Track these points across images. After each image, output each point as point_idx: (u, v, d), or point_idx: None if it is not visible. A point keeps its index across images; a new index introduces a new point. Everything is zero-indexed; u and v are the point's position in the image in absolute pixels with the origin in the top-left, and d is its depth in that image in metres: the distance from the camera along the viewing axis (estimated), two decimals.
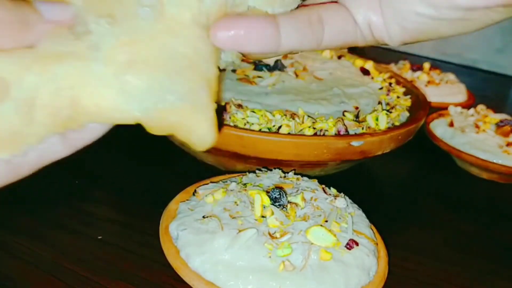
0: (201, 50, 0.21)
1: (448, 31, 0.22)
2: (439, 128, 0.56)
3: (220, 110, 0.22)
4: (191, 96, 0.22)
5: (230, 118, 0.40)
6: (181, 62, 0.21)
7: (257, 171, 0.38)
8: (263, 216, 0.31)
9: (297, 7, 0.23)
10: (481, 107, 0.60)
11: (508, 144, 0.51)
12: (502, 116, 0.56)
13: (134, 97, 0.20)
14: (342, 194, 0.35)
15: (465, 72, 0.97)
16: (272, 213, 0.31)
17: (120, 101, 0.20)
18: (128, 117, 0.21)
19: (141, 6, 0.20)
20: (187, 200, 0.34)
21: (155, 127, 0.21)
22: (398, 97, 0.51)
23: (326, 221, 0.31)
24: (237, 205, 0.32)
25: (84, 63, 0.19)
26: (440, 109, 0.60)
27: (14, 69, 0.18)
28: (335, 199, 0.34)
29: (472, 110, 0.59)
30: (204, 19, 0.21)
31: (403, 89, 0.54)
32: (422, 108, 0.48)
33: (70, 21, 0.20)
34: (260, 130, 0.39)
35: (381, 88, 0.53)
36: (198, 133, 0.22)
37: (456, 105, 0.62)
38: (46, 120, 0.19)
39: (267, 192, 0.32)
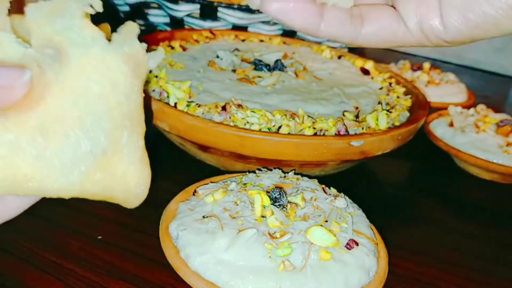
0: (119, 81, 0.20)
1: (509, 25, 0.22)
2: (439, 128, 0.56)
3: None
4: (112, 145, 0.20)
5: (230, 118, 0.40)
6: (97, 107, 0.19)
7: (257, 171, 0.38)
8: (263, 216, 0.31)
9: None
10: (481, 107, 0.60)
11: (508, 144, 0.51)
12: (502, 116, 0.56)
13: (52, 164, 0.19)
14: (342, 194, 0.35)
15: (465, 72, 0.97)
16: (272, 213, 0.31)
17: (37, 170, 0.19)
18: (47, 187, 0.19)
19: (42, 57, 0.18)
20: (187, 200, 0.34)
21: (82, 193, 0.20)
22: (398, 97, 0.51)
23: (326, 221, 0.31)
24: (237, 205, 0.32)
25: None
26: (440, 109, 0.60)
27: None
28: (335, 199, 0.34)
29: (472, 110, 0.59)
30: (119, 48, 0.20)
31: (403, 89, 0.54)
32: (422, 108, 0.48)
33: (23, 88, 0.18)
34: (260, 130, 0.39)
35: (381, 88, 0.53)
36: (130, 182, 0.21)
37: (456, 105, 0.61)
38: None
39: (267, 192, 0.32)
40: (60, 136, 0.19)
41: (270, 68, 0.52)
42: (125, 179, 0.21)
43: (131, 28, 0.22)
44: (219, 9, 0.67)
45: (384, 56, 0.83)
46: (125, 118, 0.20)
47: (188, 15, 0.69)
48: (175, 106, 0.41)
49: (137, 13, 0.73)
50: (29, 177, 0.19)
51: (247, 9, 0.67)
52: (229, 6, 0.67)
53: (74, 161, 0.19)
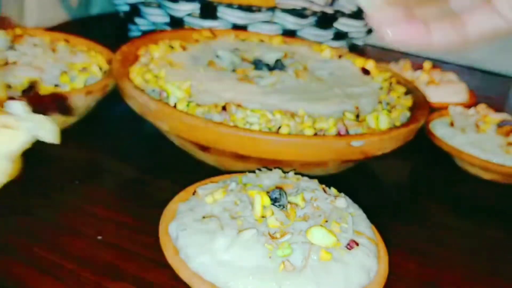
0: None
1: None
2: (439, 128, 0.56)
3: None
4: None
5: (230, 118, 0.39)
6: None
7: (257, 171, 0.37)
8: (263, 216, 0.31)
9: None
10: (481, 107, 0.60)
11: (509, 144, 0.51)
12: (503, 116, 0.56)
13: None
14: (342, 194, 0.35)
15: (465, 72, 0.97)
16: (272, 213, 0.31)
17: None
18: None
19: None
20: (187, 200, 0.34)
21: None
22: (398, 97, 0.51)
23: (326, 221, 0.31)
24: (237, 205, 0.32)
25: None
26: (440, 109, 0.60)
27: None
28: (335, 199, 0.34)
29: (472, 110, 0.59)
30: None
31: (403, 89, 0.53)
32: (422, 108, 0.48)
33: None
34: (260, 130, 0.39)
35: (381, 88, 0.53)
36: None
37: (456, 105, 0.61)
38: None
39: (267, 192, 0.32)
40: None
41: (270, 68, 0.52)
42: None
43: None
44: (219, 8, 0.67)
45: (384, 56, 0.83)
46: None
47: (188, 15, 0.69)
48: (175, 106, 0.41)
49: (136, 12, 0.73)
50: None
51: (247, 9, 0.67)
52: (229, 5, 0.67)
53: None
